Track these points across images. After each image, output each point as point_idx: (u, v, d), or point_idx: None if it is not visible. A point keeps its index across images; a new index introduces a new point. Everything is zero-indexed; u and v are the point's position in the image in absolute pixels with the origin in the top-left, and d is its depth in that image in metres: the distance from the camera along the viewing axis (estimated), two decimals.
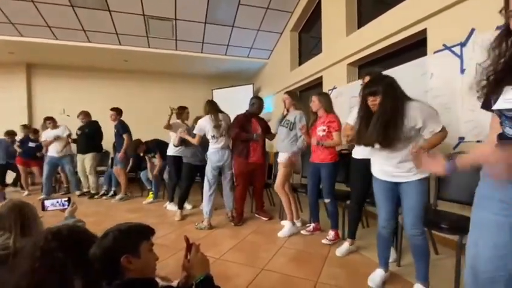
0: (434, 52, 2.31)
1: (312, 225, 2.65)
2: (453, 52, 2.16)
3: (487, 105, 0.82)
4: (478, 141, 1.97)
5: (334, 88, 3.64)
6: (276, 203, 3.78)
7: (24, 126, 5.03)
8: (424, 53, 2.44)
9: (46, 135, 4.48)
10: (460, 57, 2.11)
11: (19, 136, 5.00)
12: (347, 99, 3.33)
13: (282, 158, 2.71)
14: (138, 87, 6.26)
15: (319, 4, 4.08)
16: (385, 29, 2.79)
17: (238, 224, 2.91)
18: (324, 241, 2.34)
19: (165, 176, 3.93)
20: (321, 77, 4.03)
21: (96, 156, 4.46)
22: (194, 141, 2.98)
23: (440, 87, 2.25)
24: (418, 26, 2.47)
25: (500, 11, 0.75)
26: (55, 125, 4.51)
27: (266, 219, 3.09)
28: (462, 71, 2.10)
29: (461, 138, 2.11)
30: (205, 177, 2.94)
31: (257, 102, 3.08)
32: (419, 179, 1.44)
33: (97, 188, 4.48)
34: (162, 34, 4.77)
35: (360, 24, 3.38)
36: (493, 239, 0.78)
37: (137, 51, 5.05)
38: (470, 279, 0.85)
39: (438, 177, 2.01)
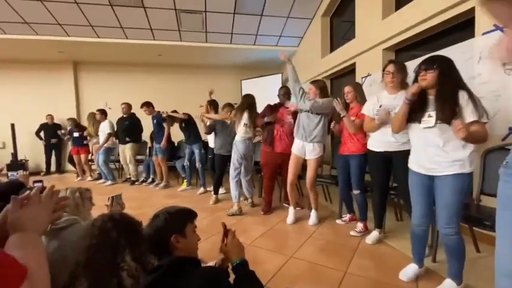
0: (483, 33, 2.09)
1: (348, 215, 2.65)
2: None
3: None
4: None
5: (369, 75, 3.48)
6: (305, 194, 3.79)
7: (69, 120, 5.55)
8: (472, 35, 2.22)
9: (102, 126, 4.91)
10: None
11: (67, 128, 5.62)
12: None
13: (312, 149, 2.57)
14: (171, 80, 6.54)
15: None
16: (427, 9, 2.56)
17: (267, 213, 2.99)
18: (352, 233, 2.34)
19: (198, 164, 4.12)
20: (354, 64, 3.86)
21: (135, 147, 4.81)
22: (217, 116, 3.38)
23: (488, 73, 2.05)
24: (465, 4, 2.24)
25: None
26: (104, 118, 4.93)
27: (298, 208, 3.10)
28: None
29: (511, 128, 1.92)
30: (231, 165, 3.10)
31: (281, 91, 3.08)
32: (457, 173, 1.36)
33: (137, 175, 4.86)
34: (193, 27, 4.88)
35: (398, 6, 3.14)
36: None
37: (170, 45, 5.25)
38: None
39: (483, 171, 1.87)
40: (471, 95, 1.34)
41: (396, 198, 2.49)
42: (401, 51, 3.21)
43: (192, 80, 6.58)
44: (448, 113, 1.33)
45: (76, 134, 5.33)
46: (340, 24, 4.54)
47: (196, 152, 4.11)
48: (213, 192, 3.54)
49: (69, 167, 5.98)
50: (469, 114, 1.32)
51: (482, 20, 2.12)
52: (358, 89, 2.46)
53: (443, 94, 1.37)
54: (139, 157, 5.08)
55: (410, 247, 1.69)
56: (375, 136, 2.07)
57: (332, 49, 4.67)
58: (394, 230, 2.39)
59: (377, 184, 2.14)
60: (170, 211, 1.03)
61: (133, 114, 4.85)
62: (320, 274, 1.73)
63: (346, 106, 2.45)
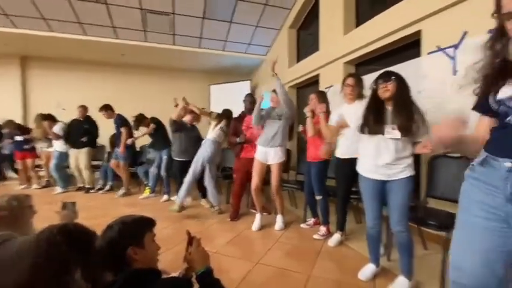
0: (428, 53, 2.36)
1: (312, 220, 2.73)
2: (446, 54, 2.21)
3: (479, 107, 0.85)
4: None
5: (331, 86, 3.68)
6: (272, 199, 3.84)
7: (8, 123, 4.82)
8: (419, 54, 2.49)
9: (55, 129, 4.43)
10: (453, 59, 2.16)
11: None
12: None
13: (274, 154, 2.58)
14: (135, 82, 6.22)
15: (317, 2, 4.09)
16: (382, 28, 2.83)
17: (234, 219, 2.96)
18: (315, 236, 2.42)
19: (163, 171, 3.95)
20: (318, 75, 4.07)
21: (91, 151, 4.46)
22: (197, 110, 3.42)
23: (433, 88, 2.31)
24: (413, 27, 2.52)
25: (492, 15, 0.77)
26: (52, 124, 4.46)
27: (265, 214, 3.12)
28: (455, 72, 2.15)
29: None
30: (192, 164, 3.08)
31: (247, 99, 3.17)
32: (407, 176, 1.51)
33: (93, 182, 4.48)
34: (160, 28, 4.74)
35: (358, 23, 3.41)
36: (484, 244, 0.77)
37: (134, 46, 5.02)
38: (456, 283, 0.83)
39: (428, 175, 2.08)
40: (419, 112, 1.50)
41: (356, 202, 2.65)
42: (361, 65, 3.47)
43: (158, 83, 6.34)
44: (407, 122, 1.46)
45: (19, 138, 4.70)
46: (306, 37, 4.77)
47: (164, 158, 3.94)
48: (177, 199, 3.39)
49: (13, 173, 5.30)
50: (420, 134, 1.47)
51: (427, 41, 2.39)
52: (322, 96, 2.58)
53: (402, 104, 1.50)
54: (95, 163, 4.71)
55: (367, 248, 1.79)
56: (342, 144, 2.20)
57: (298, 60, 4.88)
58: (354, 232, 2.53)
59: (341, 189, 2.26)
60: (125, 221, 0.94)
61: (89, 117, 4.51)
62: (285, 279, 1.76)
63: (313, 114, 2.56)
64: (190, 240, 1.05)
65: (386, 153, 1.54)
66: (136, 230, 0.93)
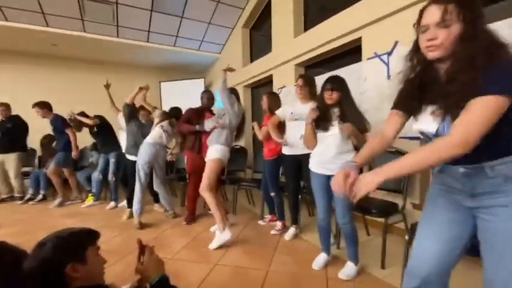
0: (368, 59, 2.62)
1: (269, 216, 2.81)
2: (382, 60, 2.48)
3: (397, 106, 0.97)
4: (401, 138, 2.32)
5: (283, 87, 3.82)
6: (228, 198, 3.83)
7: None
8: (360, 59, 2.74)
9: None
10: (387, 65, 2.44)
11: None
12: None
13: (209, 153, 2.44)
14: (73, 76, 5.50)
15: (269, 3, 4.19)
16: (328, 34, 3.03)
17: (190, 223, 2.86)
18: (272, 232, 2.50)
19: (110, 176, 3.59)
20: (271, 76, 4.18)
21: (21, 156, 3.87)
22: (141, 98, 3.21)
23: (372, 90, 2.57)
24: (355, 34, 2.76)
25: (414, 25, 0.84)
26: None
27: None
28: (388, 77, 2.44)
29: None
30: (138, 171, 2.81)
31: (205, 95, 3.01)
32: None
33: (23, 191, 3.89)
34: (101, 18, 4.29)
35: (306, 28, 3.60)
36: (450, 233, 0.88)
37: (69, 35, 4.44)
38: (421, 269, 0.90)
39: (369, 169, 2.32)
40: (357, 110, 1.69)
41: (307, 196, 2.80)
42: (310, 68, 3.67)
43: (101, 78, 5.72)
44: (354, 123, 1.60)
45: None
46: (259, 37, 4.85)
47: (112, 161, 3.58)
48: (127, 206, 3.13)
49: None
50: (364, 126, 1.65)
51: (367, 48, 2.65)
52: (274, 98, 2.68)
53: (347, 110, 1.66)
54: (24, 169, 4.07)
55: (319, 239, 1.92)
56: (289, 142, 2.30)
57: (252, 59, 4.94)
58: (307, 225, 2.68)
59: (291, 185, 2.37)
60: (61, 235, 0.82)
61: (18, 116, 3.87)
62: (244, 277, 1.77)
63: (269, 111, 2.62)
64: (142, 249, 0.98)
65: (329, 149, 1.68)
66: (75, 245, 0.82)
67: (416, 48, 0.86)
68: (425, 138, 0.91)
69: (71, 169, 3.82)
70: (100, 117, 3.67)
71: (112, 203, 3.54)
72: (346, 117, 1.63)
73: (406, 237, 1.55)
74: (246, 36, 5.01)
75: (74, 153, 3.71)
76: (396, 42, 2.34)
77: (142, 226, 2.74)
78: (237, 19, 4.91)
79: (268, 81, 4.37)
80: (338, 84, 1.67)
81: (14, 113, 3.90)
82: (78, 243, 0.83)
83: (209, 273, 1.81)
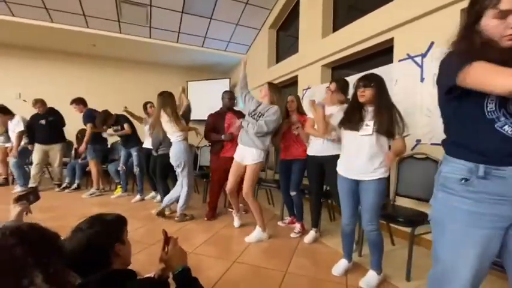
0: (399, 60, 2.51)
1: (288, 218, 2.78)
2: (415, 62, 2.36)
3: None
4: (432, 144, 2.20)
5: (309, 88, 3.77)
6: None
7: None
8: (391, 61, 2.63)
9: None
10: (421, 67, 2.32)
11: None
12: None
13: (250, 156, 2.33)
14: (108, 75, 5.87)
15: (297, 4, 4.17)
16: (357, 35, 2.95)
17: (211, 219, 2.92)
18: (292, 235, 2.47)
19: (135, 169, 3.78)
20: (296, 76, 4.14)
21: (65, 146, 4.23)
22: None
23: (403, 94, 2.46)
24: (386, 34, 2.66)
25: (467, 10, 0.81)
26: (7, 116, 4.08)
27: (243, 213, 3.03)
28: (422, 79, 2.31)
29: (418, 141, 2.33)
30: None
31: (226, 95, 3.03)
32: (379, 178, 1.57)
33: (61, 179, 4.24)
34: (136, 20, 4.53)
35: (335, 28, 3.53)
36: (490, 251, 0.80)
37: (107, 36, 4.74)
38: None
39: (397, 176, 2.22)
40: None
41: (330, 200, 2.74)
42: (337, 69, 3.59)
43: (133, 77, 6.06)
44: (385, 125, 1.52)
45: None
46: (286, 38, 4.84)
47: (134, 154, 3.76)
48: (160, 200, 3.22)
49: None
50: (397, 132, 1.54)
51: (399, 49, 2.54)
52: (299, 100, 2.68)
53: (381, 109, 1.55)
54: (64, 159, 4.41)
55: (341, 244, 1.87)
56: (314, 143, 2.26)
57: (278, 60, 4.93)
58: (328, 229, 2.62)
59: (313, 187, 2.33)
60: (104, 218, 0.91)
61: (54, 109, 4.21)
62: (262, 276, 1.77)
63: (287, 114, 2.60)
64: (167, 239, 1.02)
65: (360, 152, 1.60)
66: (117, 227, 0.90)
67: (470, 31, 0.78)
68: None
69: (97, 161, 3.98)
70: (123, 117, 3.82)
71: (138, 196, 3.70)
72: (381, 117, 1.53)
73: None
74: (272, 37, 5.02)
75: (81, 148, 3.86)
76: (432, 43, 2.22)
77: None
78: (264, 20, 4.93)
79: (293, 82, 4.34)
80: (372, 81, 1.57)
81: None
82: (119, 226, 0.90)
83: (228, 270, 1.83)
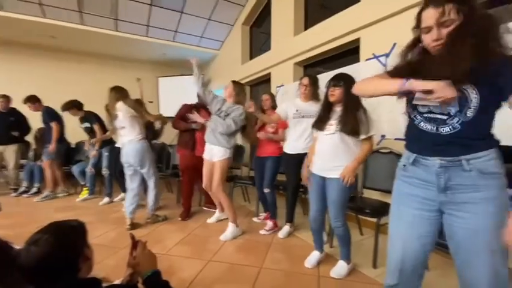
0: (366, 60, 2.63)
1: (264, 214, 2.81)
2: (380, 61, 2.50)
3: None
4: (396, 139, 2.35)
5: (282, 85, 3.82)
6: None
7: None
8: (358, 60, 2.75)
9: None
10: (385, 66, 2.45)
11: None
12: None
13: (217, 153, 2.39)
14: (70, 69, 5.45)
15: (269, 1, 4.18)
16: (327, 34, 3.03)
17: (186, 219, 2.87)
18: (262, 232, 2.49)
19: (104, 170, 3.57)
20: (269, 74, 4.17)
21: (22, 147, 3.91)
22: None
23: None
24: (353, 35, 2.77)
25: (413, 29, 0.92)
26: None
27: (216, 210, 2.96)
28: None
29: (383, 136, 2.47)
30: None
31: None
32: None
33: (18, 183, 3.90)
34: (99, 11, 4.24)
35: (307, 26, 3.60)
36: (418, 231, 0.92)
37: (67, 27, 4.39)
38: (397, 267, 0.95)
39: (364, 170, 2.34)
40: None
41: (304, 195, 2.82)
42: (309, 67, 3.67)
43: (99, 72, 5.70)
44: (350, 125, 1.56)
45: None
46: (259, 35, 4.84)
47: (105, 155, 3.55)
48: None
49: None
50: (363, 132, 1.58)
51: (365, 49, 2.66)
52: (273, 98, 2.72)
53: (348, 108, 1.59)
54: (21, 161, 4.04)
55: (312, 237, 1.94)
56: (290, 141, 2.32)
57: (251, 57, 4.92)
58: (302, 223, 2.70)
59: (291, 183, 2.38)
60: (65, 223, 0.84)
61: (15, 109, 3.85)
62: (237, 273, 1.78)
63: (262, 111, 2.63)
64: (135, 243, 0.99)
65: (325, 150, 1.66)
66: (84, 231, 0.84)
67: (413, 45, 0.95)
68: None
69: (59, 162, 3.75)
70: (93, 114, 3.64)
71: (106, 199, 3.52)
72: (346, 117, 1.57)
73: None
74: (245, 34, 4.99)
75: (51, 147, 3.58)
76: (394, 44, 2.35)
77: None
78: (237, 16, 4.88)
79: (267, 79, 4.36)
80: (341, 80, 1.60)
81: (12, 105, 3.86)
82: (83, 230, 0.85)
83: (202, 269, 1.81)
